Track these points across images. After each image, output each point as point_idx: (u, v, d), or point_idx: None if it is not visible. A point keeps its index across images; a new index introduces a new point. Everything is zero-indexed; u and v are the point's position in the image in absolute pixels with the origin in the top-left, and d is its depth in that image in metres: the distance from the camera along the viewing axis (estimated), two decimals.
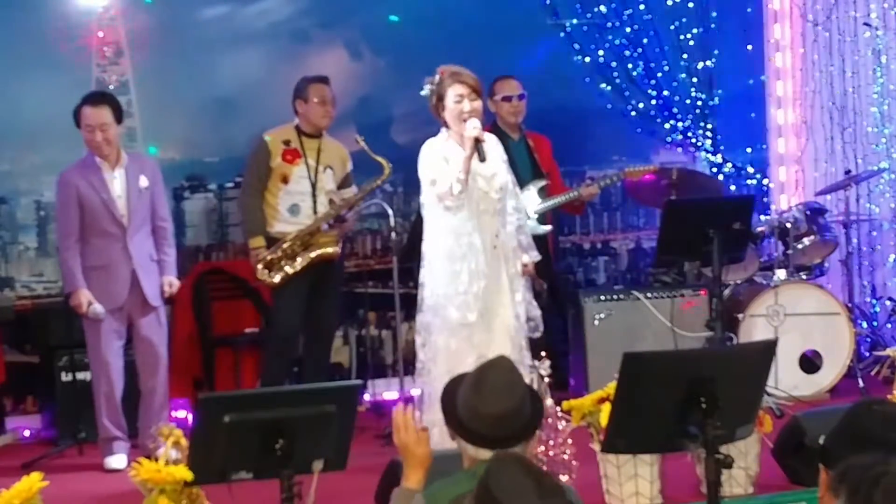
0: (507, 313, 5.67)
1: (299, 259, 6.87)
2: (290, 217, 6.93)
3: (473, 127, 5.55)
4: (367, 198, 7.09)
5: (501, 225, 5.73)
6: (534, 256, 5.90)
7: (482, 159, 5.55)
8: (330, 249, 6.96)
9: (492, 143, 5.81)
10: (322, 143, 7.00)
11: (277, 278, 6.86)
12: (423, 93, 5.70)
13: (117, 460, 6.47)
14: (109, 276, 6.45)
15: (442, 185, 5.59)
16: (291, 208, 6.94)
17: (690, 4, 8.78)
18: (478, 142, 5.55)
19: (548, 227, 7.36)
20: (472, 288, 5.58)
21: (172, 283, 6.62)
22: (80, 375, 6.99)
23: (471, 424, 3.36)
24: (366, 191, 7.03)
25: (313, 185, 6.94)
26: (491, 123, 7.23)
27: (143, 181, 6.53)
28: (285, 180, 6.92)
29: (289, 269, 6.86)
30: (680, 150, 8.88)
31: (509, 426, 3.34)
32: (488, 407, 3.33)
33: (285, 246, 6.86)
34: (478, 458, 3.39)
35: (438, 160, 5.63)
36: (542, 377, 5.34)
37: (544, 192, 7.50)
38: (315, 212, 6.93)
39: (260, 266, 6.86)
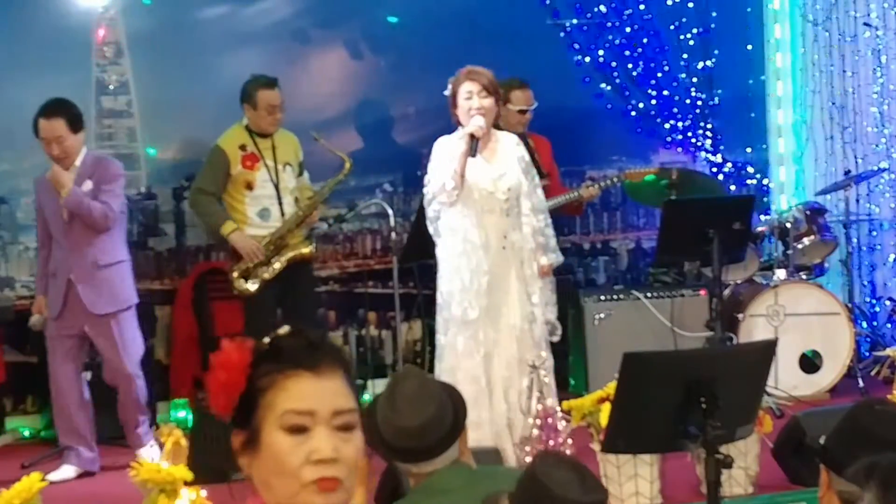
0: (514, 314, 5.64)
1: (275, 264, 6.83)
2: (261, 221, 6.87)
3: (475, 124, 5.53)
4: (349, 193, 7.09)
5: (512, 226, 5.68)
6: (552, 259, 5.83)
7: (472, 155, 5.53)
8: (305, 249, 6.93)
9: (511, 143, 5.78)
10: (275, 140, 6.94)
11: (254, 287, 6.81)
12: (445, 92, 5.68)
13: (60, 472, 6.28)
14: (55, 283, 6.39)
15: (435, 183, 5.59)
16: (261, 213, 6.88)
17: (690, 4, 8.77)
18: (473, 138, 5.54)
19: None
20: (472, 285, 5.56)
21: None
22: None
23: (395, 442, 3.25)
24: (330, 186, 7.04)
25: (276, 187, 6.88)
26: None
27: (87, 185, 6.29)
28: (250, 187, 6.86)
29: (266, 276, 6.81)
30: (680, 150, 8.87)
31: (431, 435, 3.22)
32: (406, 420, 3.22)
33: None
34: (422, 473, 3.28)
35: (444, 158, 5.62)
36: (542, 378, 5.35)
37: (544, 193, 7.48)
38: (283, 214, 6.89)
39: (235, 274, 6.80)
